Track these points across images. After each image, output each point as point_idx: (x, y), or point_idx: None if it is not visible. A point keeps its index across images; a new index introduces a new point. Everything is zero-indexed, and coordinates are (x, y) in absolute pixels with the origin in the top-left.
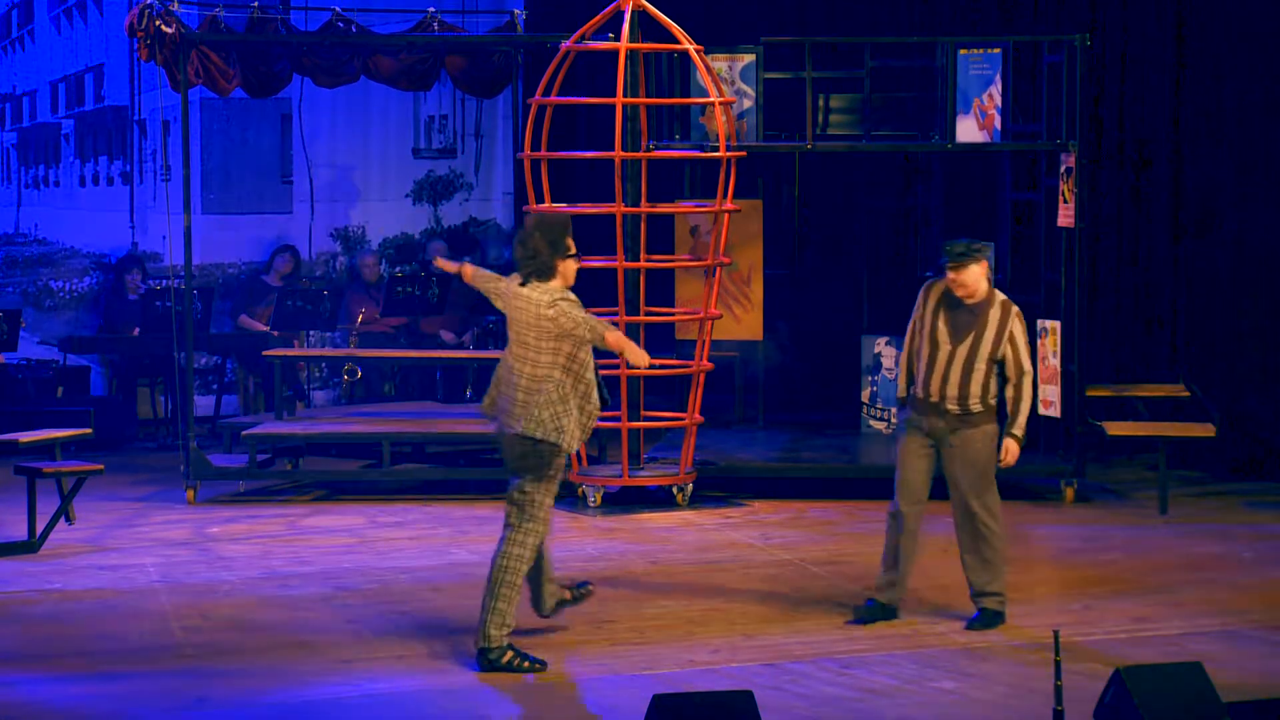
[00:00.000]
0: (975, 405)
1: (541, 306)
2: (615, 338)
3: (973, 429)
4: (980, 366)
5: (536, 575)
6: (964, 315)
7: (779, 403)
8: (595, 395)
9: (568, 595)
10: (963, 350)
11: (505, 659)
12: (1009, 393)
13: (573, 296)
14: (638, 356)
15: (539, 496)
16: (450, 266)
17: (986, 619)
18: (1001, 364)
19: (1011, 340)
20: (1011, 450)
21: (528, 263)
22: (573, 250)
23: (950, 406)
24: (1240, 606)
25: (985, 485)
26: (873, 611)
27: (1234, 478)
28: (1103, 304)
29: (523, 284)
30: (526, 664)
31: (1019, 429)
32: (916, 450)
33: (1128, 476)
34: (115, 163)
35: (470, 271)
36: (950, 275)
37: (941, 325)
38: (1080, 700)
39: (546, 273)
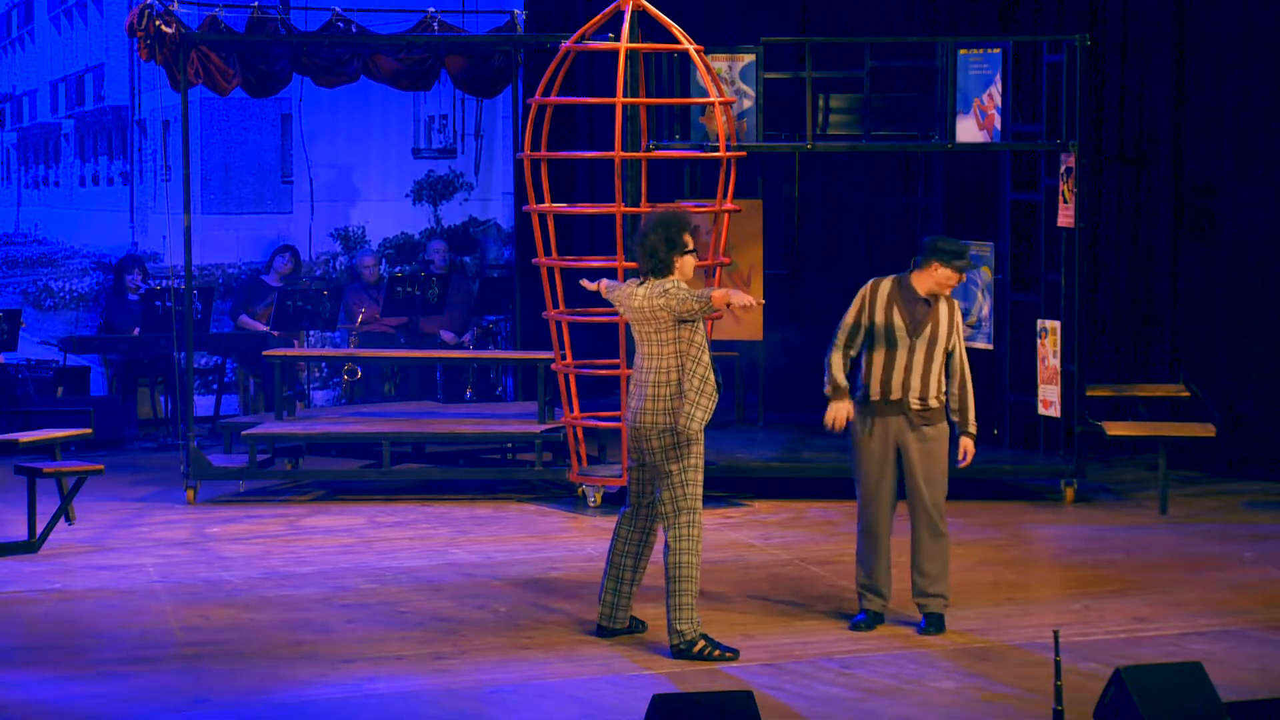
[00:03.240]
0: (934, 402)
1: (653, 298)
2: (720, 294)
3: (932, 427)
4: (938, 359)
5: (618, 586)
6: (920, 309)
7: (779, 403)
8: (714, 378)
9: (630, 624)
10: (922, 344)
11: (697, 649)
12: (954, 389)
13: (683, 285)
14: (742, 299)
15: (688, 487)
16: (590, 285)
17: (935, 623)
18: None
19: (958, 332)
20: (970, 450)
21: (645, 260)
22: (690, 246)
23: (913, 403)
24: (1240, 606)
25: (940, 485)
26: (869, 622)
27: (1234, 478)
28: (1103, 304)
29: (640, 284)
30: (718, 653)
31: (973, 426)
32: (879, 457)
33: (1128, 476)
34: (115, 163)
35: (605, 286)
36: (953, 277)
37: (898, 320)
38: (1080, 700)
39: (664, 270)
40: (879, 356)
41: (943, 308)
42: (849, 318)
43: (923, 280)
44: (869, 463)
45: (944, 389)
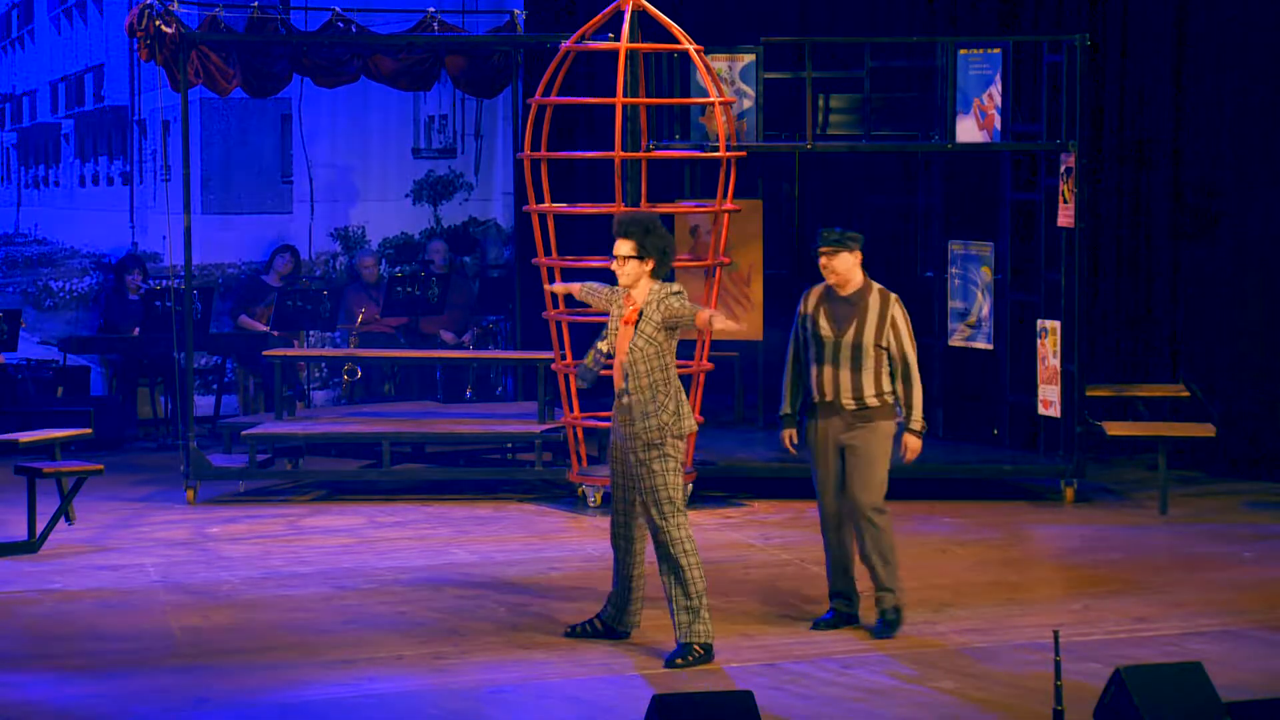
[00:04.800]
0: (871, 400)
1: None
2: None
3: (868, 425)
4: (869, 354)
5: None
6: (843, 306)
7: (779, 403)
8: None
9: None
10: (847, 339)
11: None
12: (898, 386)
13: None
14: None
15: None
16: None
17: (893, 620)
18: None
19: (894, 326)
20: (912, 446)
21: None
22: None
23: (846, 402)
24: (1240, 606)
25: (876, 482)
26: (833, 622)
27: (1234, 478)
28: (1103, 304)
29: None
30: (701, 652)
31: (916, 423)
32: (822, 460)
33: (1128, 476)
34: (115, 163)
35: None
36: (822, 260)
37: (823, 320)
38: (1080, 700)
39: None
40: (814, 359)
41: (872, 303)
42: (793, 333)
43: None
44: (816, 466)
45: (883, 387)
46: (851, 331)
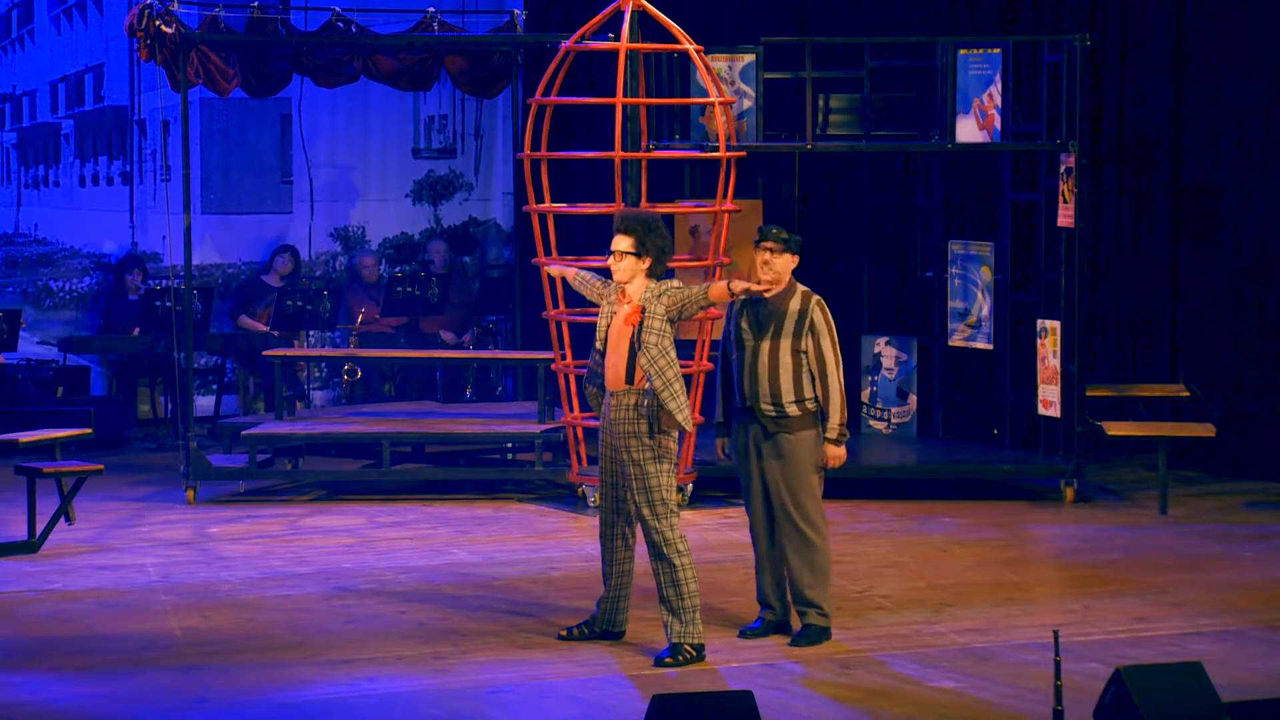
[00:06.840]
0: (791, 408)
1: None
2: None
3: (789, 434)
4: (785, 360)
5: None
6: (764, 309)
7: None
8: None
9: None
10: (766, 344)
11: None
12: (817, 391)
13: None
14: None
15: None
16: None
17: (810, 635)
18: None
19: (813, 329)
20: (832, 454)
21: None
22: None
23: (764, 407)
24: (1240, 606)
25: (804, 493)
26: (760, 630)
27: (1234, 478)
28: (1103, 304)
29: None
30: (692, 653)
31: (833, 431)
32: (743, 467)
33: (1128, 476)
34: (115, 163)
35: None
36: (765, 256)
37: (744, 325)
38: (1080, 700)
39: None
40: (736, 365)
41: (793, 305)
42: (724, 338)
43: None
44: (741, 473)
45: (804, 394)
46: (770, 333)
